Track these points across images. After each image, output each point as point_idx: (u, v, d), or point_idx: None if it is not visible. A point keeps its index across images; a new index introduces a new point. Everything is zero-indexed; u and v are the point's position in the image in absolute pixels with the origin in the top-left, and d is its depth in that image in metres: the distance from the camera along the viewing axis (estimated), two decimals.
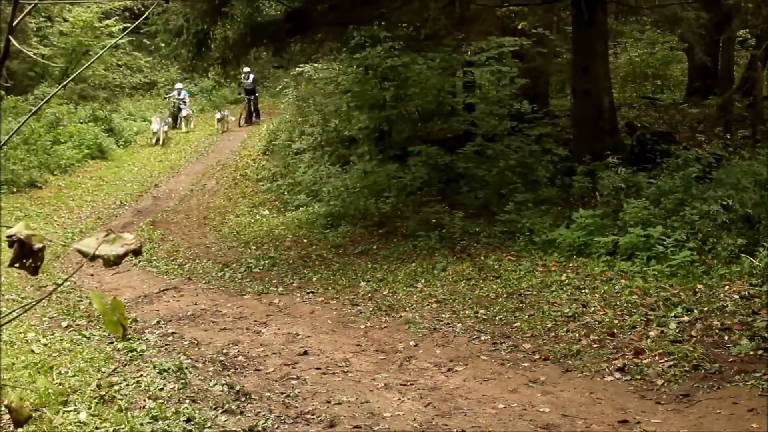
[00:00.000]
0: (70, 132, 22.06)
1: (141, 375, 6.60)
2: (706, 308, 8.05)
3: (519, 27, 16.71)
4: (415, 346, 7.96)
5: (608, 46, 15.93)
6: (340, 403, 6.30)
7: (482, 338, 8.11)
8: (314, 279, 11.14)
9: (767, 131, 14.49)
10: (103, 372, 6.63)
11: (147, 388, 6.25)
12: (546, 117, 16.06)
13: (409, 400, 6.40)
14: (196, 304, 9.91)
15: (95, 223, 15.60)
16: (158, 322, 8.89)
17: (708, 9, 16.07)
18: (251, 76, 26.21)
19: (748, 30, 15.64)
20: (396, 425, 5.87)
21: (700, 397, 6.20)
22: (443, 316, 8.98)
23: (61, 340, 7.78)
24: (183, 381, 6.50)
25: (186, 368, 6.85)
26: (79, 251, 2.96)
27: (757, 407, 5.89)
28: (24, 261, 2.42)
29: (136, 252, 3.12)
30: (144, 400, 5.96)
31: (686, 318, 7.92)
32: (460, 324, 8.59)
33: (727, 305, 8.05)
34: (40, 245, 2.51)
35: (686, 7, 15.38)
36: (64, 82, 3.09)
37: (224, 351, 7.78)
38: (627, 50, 24.87)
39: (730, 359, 6.86)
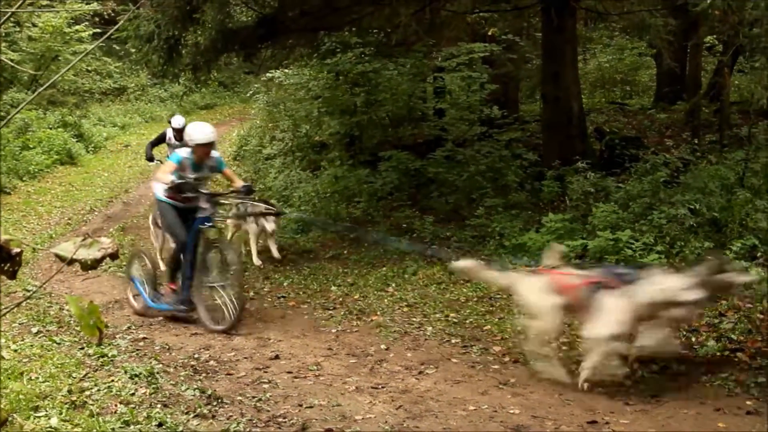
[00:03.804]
0: (39, 137, 21.94)
1: (112, 380, 6.59)
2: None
3: (489, 33, 16.79)
4: (386, 349, 7.99)
5: (577, 52, 16.03)
6: (311, 407, 6.31)
7: (453, 341, 8.15)
8: (285, 284, 11.15)
9: (734, 136, 14.62)
10: (74, 377, 6.61)
11: (118, 393, 6.24)
12: (516, 122, 16.18)
13: (381, 402, 6.43)
14: None
15: (65, 229, 15.52)
16: (129, 328, 8.86)
17: (676, 15, 16.20)
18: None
19: (715, 36, 15.78)
20: (367, 428, 5.90)
21: (668, 398, 6.27)
22: (414, 319, 9.02)
23: (32, 345, 7.75)
24: (154, 386, 6.50)
25: (157, 373, 6.85)
26: (57, 255, 2.98)
27: (724, 407, 5.97)
28: (2, 265, 2.44)
29: (113, 256, 3.14)
30: (115, 405, 5.96)
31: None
32: (430, 327, 8.64)
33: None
34: (18, 250, 2.53)
35: (654, 14, 15.49)
36: (40, 89, 3.10)
37: (196, 356, 7.78)
38: (596, 56, 25.06)
39: (698, 360, 6.95)
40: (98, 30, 26.89)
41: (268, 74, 19.20)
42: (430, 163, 14.75)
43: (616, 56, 24.12)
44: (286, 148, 19.06)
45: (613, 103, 21.95)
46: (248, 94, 25.25)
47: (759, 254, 9.12)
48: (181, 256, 9.26)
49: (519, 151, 14.59)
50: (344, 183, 15.07)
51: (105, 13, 28.38)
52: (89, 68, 30.32)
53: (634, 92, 24.00)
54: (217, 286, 8.91)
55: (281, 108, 20.08)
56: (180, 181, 8.98)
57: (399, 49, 16.26)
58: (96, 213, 17.34)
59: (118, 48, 29.76)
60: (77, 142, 23.76)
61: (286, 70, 18.24)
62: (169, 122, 14.58)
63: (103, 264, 11.09)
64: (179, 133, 13.66)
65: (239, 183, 9.67)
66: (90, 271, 11.41)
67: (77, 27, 27.19)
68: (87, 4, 27.26)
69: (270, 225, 11.97)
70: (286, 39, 15.04)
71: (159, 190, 9.49)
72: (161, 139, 14.56)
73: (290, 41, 15.33)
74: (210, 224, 9.21)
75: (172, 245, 9.87)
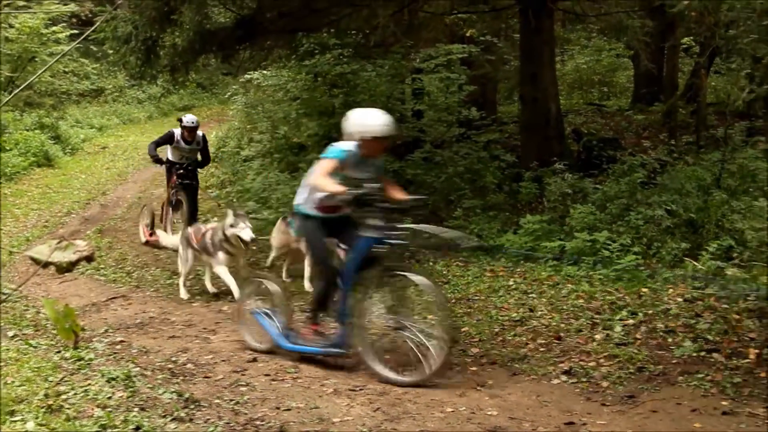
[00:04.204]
0: (16, 139, 21.83)
1: (89, 384, 6.53)
2: (650, 311, 8.17)
3: (467, 34, 16.81)
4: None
5: (555, 53, 16.08)
6: (289, 409, 6.30)
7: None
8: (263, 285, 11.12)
9: (711, 137, 14.71)
10: (51, 381, 6.57)
11: (95, 396, 6.19)
12: (494, 124, 16.21)
13: (358, 405, 6.42)
14: (144, 312, 9.84)
15: (42, 232, 15.44)
16: (106, 331, 8.81)
17: (653, 17, 16.30)
18: (200, 133, 13.77)
19: (692, 38, 15.86)
20: (345, 430, 5.89)
21: (645, 399, 6.29)
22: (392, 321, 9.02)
23: (8, 349, 7.69)
24: (132, 389, 6.45)
25: (135, 376, 6.80)
26: (32, 258, 2.97)
27: (700, 407, 5.99)
28: None
29: (89, 258, 3.13)
30: (92, 409, 5.91)
31: (631, 321, 8.03)
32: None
33: (671, 308, 8.18)
34: None
35: (632, 15, 15.58)
36: (17, 90, 3.09)
37: (173, 359, 7.74)
38: (574, 57, 25.17)
39: (674, 361, 6.98)
40: (75, 31, 26.73)
41: (246, 75, 19.13)
42: (408, 164, 14.75)
43: (593, 57, 24.28)
44: (265, 149, 19.01)
45: (590, 104, 22.08)
46: (226, 96, 25.17)
47: (735, 255, 9.18)
48: (330, 289, 7.62)
49: (497, 153, 14.63)
50: None
51: (82, 14, 28.25)
52: (66, 70, 30.18)
53: (612, 93, 24.15)
54: (401, 324, 7.38)
55: (259, 109, 20.03)
56: (360, 191, 7.09)
57: (377, 51, 16.24)
58: (73, 215, 17.25)
59: (95, 49, 29.64)
60: (54, 144, 23.65)
61: (265, 72, 18.19)
62: (180, 120, 13.79)
63: (81, 267, 11.02)
64: (191, 132, 13.48)
65: (403, 195, 7.74)
66: (67, 274, 11.30)
67: (54, 28, 27.01)
68: (64, 5, 27.11)
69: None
70: (265, 40, 15.03)
71: (307, 202, 7.68)
72: (167, 140, 13.71)
73: (268, 42, 15.32)
74: (387, 246, 7.37)
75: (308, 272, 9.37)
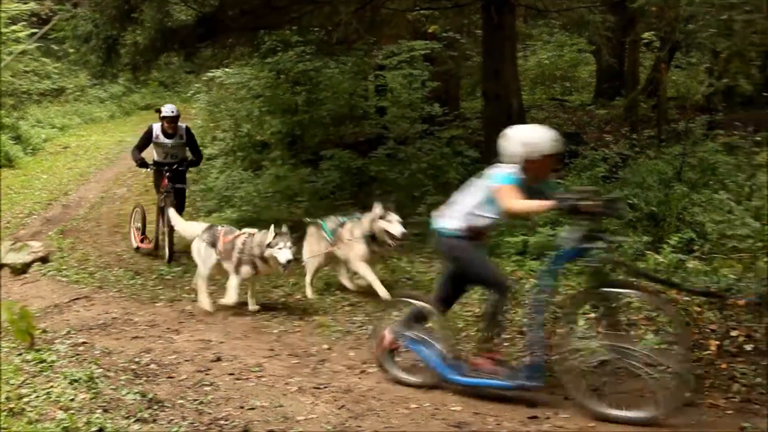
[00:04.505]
0: None
1: (51, 386, 6.49)
2: (612, 305, 8.21)
3: (430, 30, 16.82)
4: (329, 349, 8.00)
5: (517, 48, 16.13)
6: (253, 408, 6.30)
7: None
8: (226, 285, 11.07)
9: (672, 131, 14.81)
10: (12, 384, 6.52)
11: (57, 399, 6.15)
12: (457, 119, 16.21)
13: (323, 402, 6.43)
14: (107, 312, 9.77)
15: (3, 233, 15.30)
16: (68, 332, 8.73)
17: (614, 12, 16.39)
18: (182, 126, 13.23)
19: (653, 32, 15.97)
20: (310, 428, 5.90)
21: (608, 391, 6.32)
22: (356, 318, 9.04)
23: None
24: (94, 391, 6.42)
25: (97, 378, 6.77)
26: None
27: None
28: None
29: (44, 259, 3.11)
30: (55, 412, 5.88)
31: (593, 315, 8.07)
32: (372, 326, 8.65)
33: (633, 301, 8.21)
34: None
35: (593, 11, 15.65)
36: None
37: (136, 359, 7.70)
38: (536, 53, 25.26)
39: (636, 353, 7.02)
40: (36, 30, 26.52)
41: (208, 73, 19.08)
42: (371, 161, 14.76)
43: (556, 53, 24.40)
44: (228, 148, 18.95)
45: (553, 99, 22.17)
46: (189, 94, 25.05)
47: (696, 247, 9.25)
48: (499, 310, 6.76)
49: (460, 149, 14.64)
50: (286, 182, 15.02)
51: (42, 13, 28.00)
52: (27, 69, 29.86)
53: (574, 88, 24.24)
54: (618, 350, 6.38)
55: (222, 108, 19.97)
56: (574, 199, 6.18)
57: (340, 48, 16.22)
58: (35, 216, 17.08)
59: (56, 48, 29.34)
60: (15, 144, 23.40)
61: (227, 69, 18.13)
62: (158, 112, 13.11)
63: (42, 268, 10.88)
64: (171, 123, 12.81)
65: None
66: (29, 276, 11.19)
67: (14, 27, 26.74)
68: (24, 3, 26.84)
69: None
70: (226, 38, 14.96)
71: (461, 226, 6.83)
72: (147, 140, 13.04)
73: (230, 40, 15.25)
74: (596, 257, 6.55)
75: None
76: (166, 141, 12.92)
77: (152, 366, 7.52)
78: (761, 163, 11.17)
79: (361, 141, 16.58)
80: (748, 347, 6.95)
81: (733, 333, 7.22)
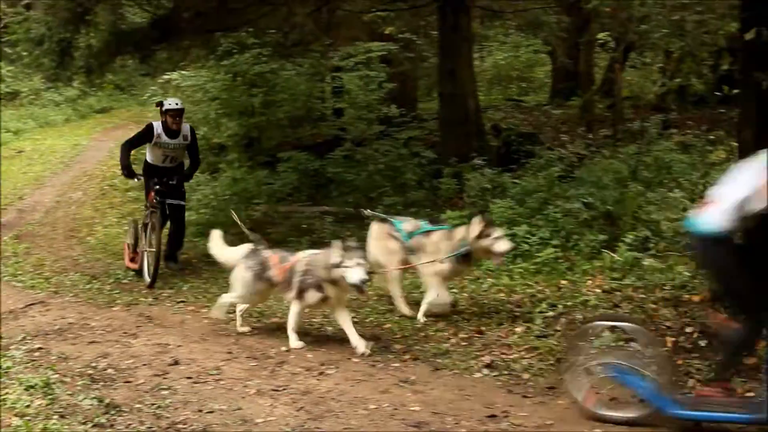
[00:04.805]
0: None
1: (6, 392, 6.42)
2: (569, 303, 8.29)
3: (386, 32, 16.85)
4: (287, 351, 7.96)
5: (473, 49, 16.21)
6: (212, 412, 6.26)
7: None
8: (185, 288, 11.01)
9: (627, 130, 14.95)
10: None
11: (13, 405, 6.09)
12: (414, 120, 16.26)
13: (282, 405, 6.41)
14: (63, 317, 9.65)
15: None
16: (24, 338, 8.61)
17: (569, 13, 16.53)
18: (186, 126, 11.95)
19: (608, 33, 16.13)
20: (269, 430, 5.88)
21: (566, 389, 6.36)
22: (314, 320, 9.01)
23: None
24: (51, 396, 6.36)
25: (54, 383, 6.70)
26: None
27: (619, 396, 6.09)
28: None
29: None
30: (10, 419, 5.82)
31: (551, 313, 8.14)
32: (331, 328, 8.65)
33: (590, 299, 8.30)
34: None
35: (548, 12, 15.78)
36: None
37: (93, 364, 7.62)
38: (493, 54, 25.39)
39: (593, 351, 7.07)
40: None
41: (164, 76, 18.95)
42: (329, 162, 14.77)
43: (512, 54, 24.56)
44: None
45: (509, 99, 22.32)
46: (145, 97, 24.86)
47: (651, 245, 9.34)
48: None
49: (417, 149, 14.68)
50: (243, 185, 14.96)
51: None
52: None
53: (531, 89, 24.44)
54: None
55: None
56: None
57: (296, 49, 16.20)
58: None
59: (9, 51, 29.01)
60: None
61: (183, 72, 18.02)
62: (159, 105, 11.84)
63: None
64: (176, 118, 11.51)
65: None
66: None
67: None
68: None
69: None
70: (182, 40, 14.87)
71: (726, 221, 5.63)
72: (145, 138, 11.70)
73: (186, 42, 15.16)
74: None
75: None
76: (169, 141, 11.56)
77: (109, 371, 7.44)
78: (715, 162, 11.33)
79: (318, 143, 16.57)
80: (702, 343, 7.02)
81: (688, 329, 7.29)
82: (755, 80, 7.45)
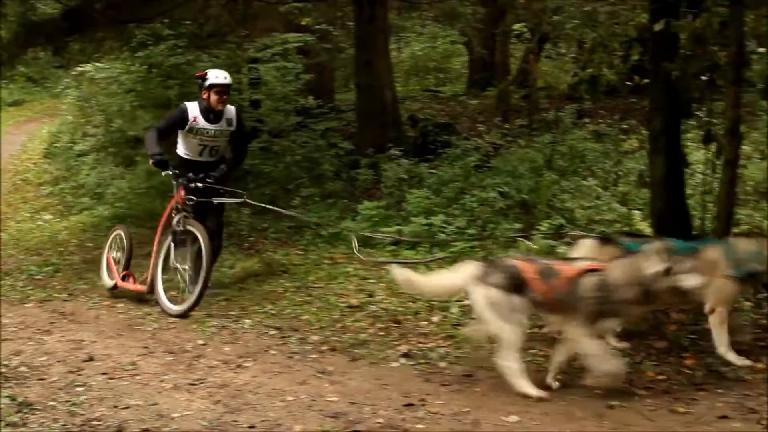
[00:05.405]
0: None
1: None
2: None
3: (303, 23, 16.79)
4: (204, 344, 7.90)
5: (390, 41, 16.25)
6: (127, 407, 6.18)
7: (270, 333, 8.13)
8: (100, 283, 10.86)
9: (542, 120, 15.12)
10: None
11: None
12: (331, 112, 16.25)
13: (199, 399, 6.36)
14: None
15: None
16: None
17: (485, 4, 16.69)
18: (231, 108, 9.59)
19: (523, 24, 16.28)
20: (185, 425, 5.82)
21: (482, 377, 6.44)
22: (232, 313, 8.96)
23: None
24: None
25: None
26: None
27: (535, 382, 6.17)
28: None
29: None
30: None
31: (467, 302, 8.18)
32: (248, 320, 8.60)
33: None
34: None
35: (464, 3, 15.90)
36: None
37: (5, 362, 7.47)
38: (410, 45, 25.47)
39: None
40: None
41: (78, 68, 18.64)
42: None
43: (429, 45, 24.64)
44: (99, 143, 18.54)
45: (427, 90, 22.41)
46: (59, 89, 24.44)
47: (564, 232, 9.48)
48: None
49: (334, 140, 14.69)
50: (159, 178, 14.74)
51: None
52: None
53: (448, 79, 24.57)
54: None
55: (93, 103, 19.53)
56: None
57: (212, 41, 16.06)
58: None
59: None
60: None
61: (98, 64, 17.74)
62: (201, 79, 9.42)
63: None
64: (222, 96, 9.24)
65: None
66: None
67: None
68: None
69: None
70: (95, 32, 14.67)
71: None
72: (177, 125, 9.47)
73: (99, 34, 14.96)
74: None
75: None
76: (209, 127, 9.32)
77: (22, 368, 7.30)
78: (627, 150, 11.54)
79: None
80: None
81: None
82: (664, 70, 7.61)
